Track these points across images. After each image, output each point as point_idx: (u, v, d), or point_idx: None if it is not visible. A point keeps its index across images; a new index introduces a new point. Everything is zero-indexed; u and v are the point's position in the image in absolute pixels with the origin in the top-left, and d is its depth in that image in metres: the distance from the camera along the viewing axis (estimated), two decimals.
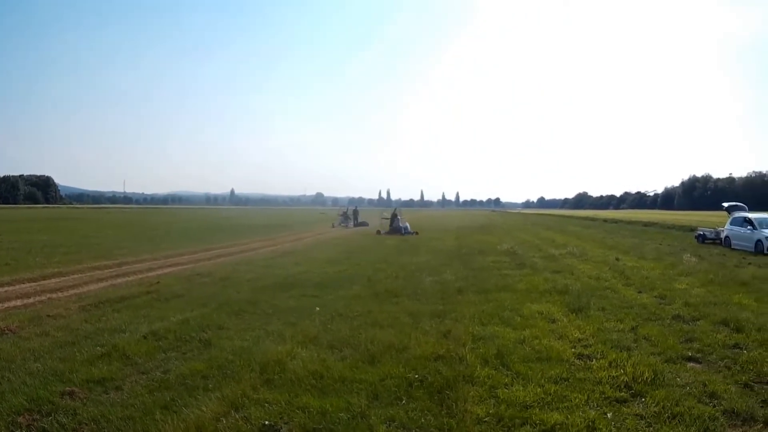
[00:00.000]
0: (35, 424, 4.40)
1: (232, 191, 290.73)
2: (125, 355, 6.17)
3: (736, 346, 6.85)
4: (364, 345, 6.65)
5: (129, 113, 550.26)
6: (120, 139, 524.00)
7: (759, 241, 20.59)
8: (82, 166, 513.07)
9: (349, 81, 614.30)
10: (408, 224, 33.55)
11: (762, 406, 4.87)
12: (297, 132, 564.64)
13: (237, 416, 4.53)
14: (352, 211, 45.48)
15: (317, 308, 8.94)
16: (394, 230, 32.30)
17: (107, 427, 4.34)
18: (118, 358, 6.07)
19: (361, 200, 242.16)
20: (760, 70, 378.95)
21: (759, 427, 4.49)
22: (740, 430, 4.45)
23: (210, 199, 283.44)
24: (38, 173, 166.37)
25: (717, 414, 4.68)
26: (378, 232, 32.59)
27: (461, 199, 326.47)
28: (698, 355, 6.43)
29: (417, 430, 4.34)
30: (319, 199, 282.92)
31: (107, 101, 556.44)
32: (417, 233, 32.16)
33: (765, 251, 19.87)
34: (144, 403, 4.78)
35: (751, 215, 22.42)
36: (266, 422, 4.42)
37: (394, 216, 34.03)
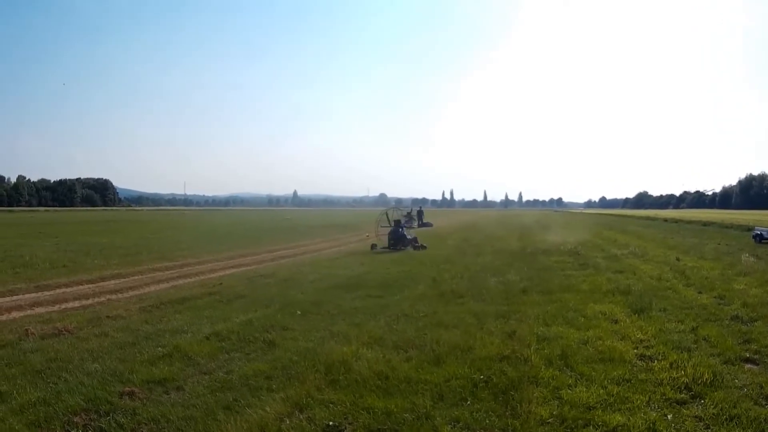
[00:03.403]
0: (92, 423, 4.31)
1: (295, 192, 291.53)
2: (187, 356, 6.06)
3: None
4: (429, 345, 6.51)
5: (185, 116, 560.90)
6: (180, 142, 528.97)
7: None
8: (141, 169, 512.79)
9: (410, 82, 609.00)
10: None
11: None
12: (361, 133, 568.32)
13: (301, 417, 4.46)
14: (416, 212, 44.59)
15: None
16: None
17: (167, 427, 4.23)
18: (180, 359, 5.97)
19: (424, 201, 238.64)
20: None
21: None
22: None
23: (272, 201, 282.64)
24: (96, 176, 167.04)
25: None
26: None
27: (524, 199, 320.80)
28: (755, 357, 6.34)
29: (481, 430, 4.32)
30: (382, 200, 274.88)
31: (165, 104, 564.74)
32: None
33: None
34: (206, 404, 4.68)
35: None
36: (330, 423, 4.36)
37: None
